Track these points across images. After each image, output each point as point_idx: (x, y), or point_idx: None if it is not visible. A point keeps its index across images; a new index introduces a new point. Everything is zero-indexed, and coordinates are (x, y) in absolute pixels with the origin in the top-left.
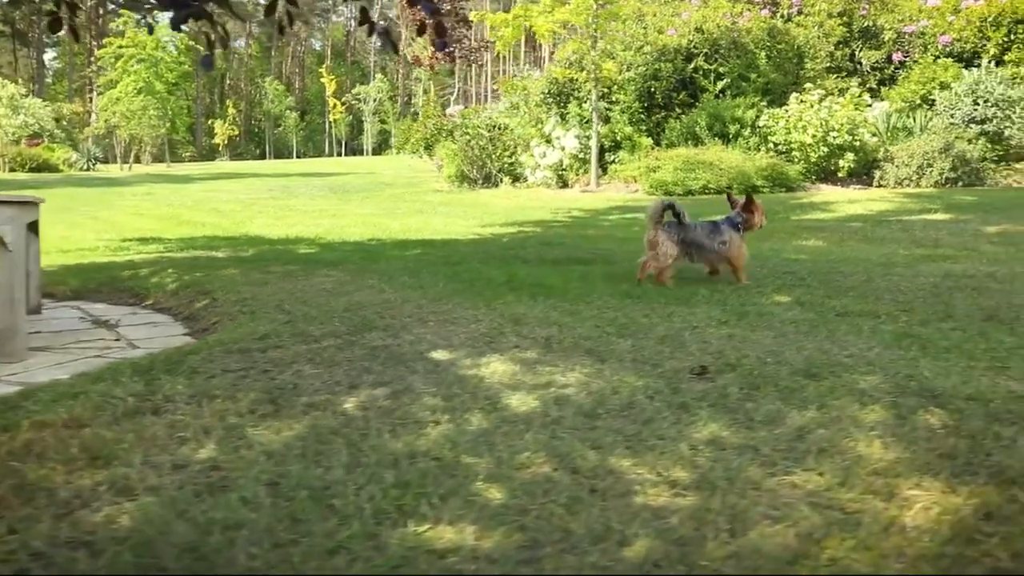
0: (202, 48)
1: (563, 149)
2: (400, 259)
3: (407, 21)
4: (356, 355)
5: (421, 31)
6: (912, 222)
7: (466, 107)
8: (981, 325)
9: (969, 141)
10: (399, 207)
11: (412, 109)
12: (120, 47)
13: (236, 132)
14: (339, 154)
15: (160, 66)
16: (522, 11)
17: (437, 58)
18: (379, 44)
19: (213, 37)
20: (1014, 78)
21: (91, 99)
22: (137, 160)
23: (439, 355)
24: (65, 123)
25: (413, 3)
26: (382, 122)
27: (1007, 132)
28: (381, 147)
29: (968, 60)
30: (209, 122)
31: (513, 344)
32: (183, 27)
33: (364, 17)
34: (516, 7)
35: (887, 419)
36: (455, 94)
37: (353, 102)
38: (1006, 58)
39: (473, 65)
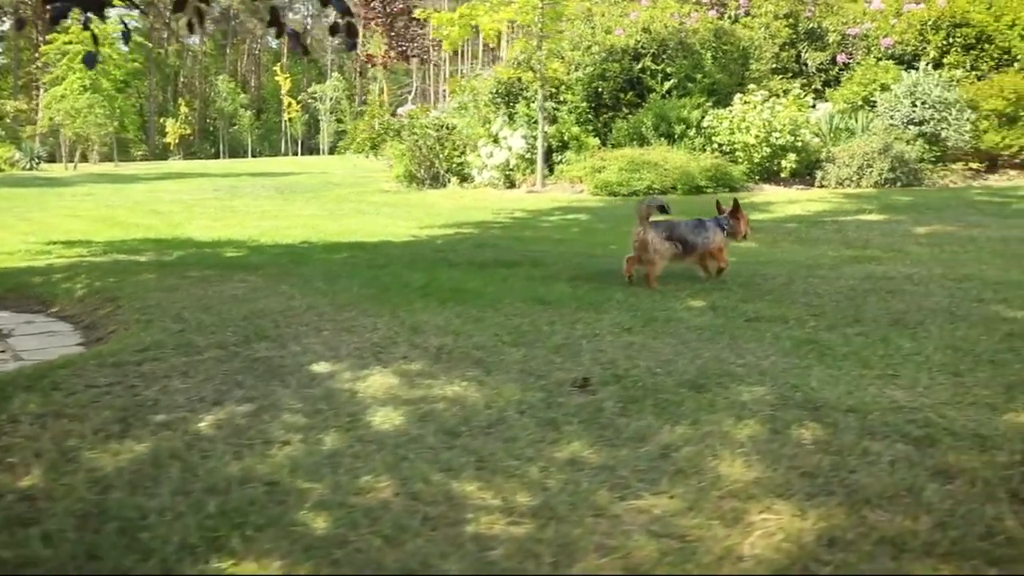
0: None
1: (510, 149)
2: (326, 263)
3: (364, 20)
4: (234, 368)
5: (333, 31)
6: (846, 223)
7: (423, 106)
8: (886, 330)
9: (908, 142)
10: (342, 208)
11: (366, 108)
12: (66, 43)
13: (189, 131)
14: (295, 153)
15: (107, 63)
16: (468, 10)
17: (390, 57)
18: (336, 42)
19: (96, 31)
20: (951, 80)
21: (36, 96)
22: (84, 159)
23: (320, 368)
24: (9, 121)
25: (325, 3)
26: (339, 121)
27: (943, 134)
28: (338, 146)
29: (909, 63)
30: (161, 120)
31: (401, 355)
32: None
33: (274, 18)
34: (462, 6)
35: (759, 434)
36: (412, 93)
37: (309, 101)
38: (945, 61)
39: (427, 64)
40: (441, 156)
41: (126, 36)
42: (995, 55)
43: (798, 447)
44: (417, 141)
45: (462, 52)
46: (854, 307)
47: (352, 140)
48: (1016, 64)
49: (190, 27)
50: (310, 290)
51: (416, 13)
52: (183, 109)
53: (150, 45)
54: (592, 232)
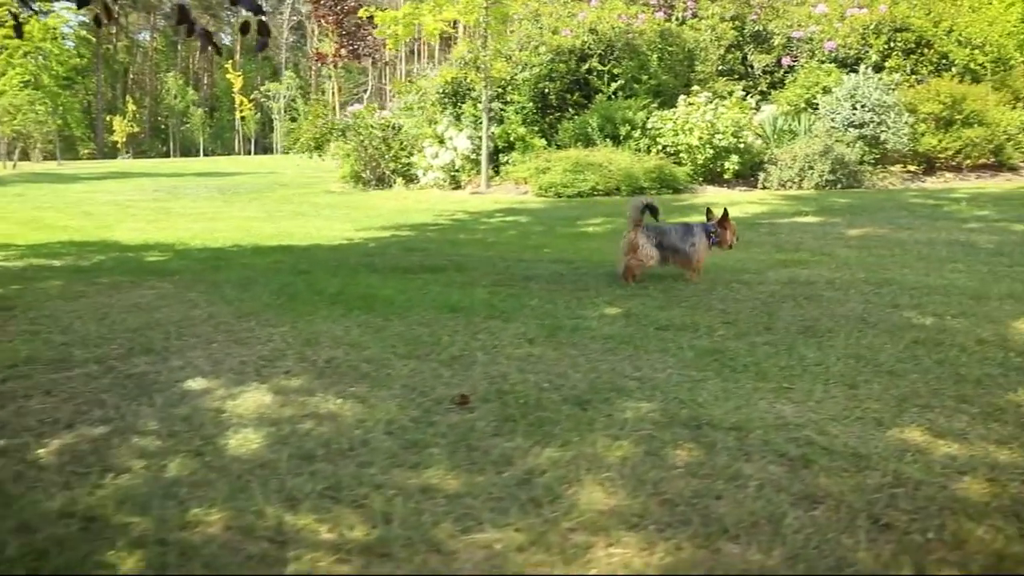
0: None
1: (455, 150)
2: (247, 268)
3: (314, 19)
4: (102, 385)
5: (244, 30)
6: (782, 225)
7: (369, 106)
8: (794, 338)
9: (848, 145)
10: (283, 209)
11: (310, 108)
12: (5, 38)
13: (138, 129)
14: (248, 152)
15: (49, 59)
16: (412, 9)
17: (341, 56)
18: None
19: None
20: (890, 84)
21: None
22: (25, 157)
23: (195, 384)
24: None
25: (235, 2)
26: (292, 120)
27: (883, 136)
28: (282, 146)
29: (852, 66)
30: (109, 118)
31: (285, 370)
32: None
33: (182, 16)
34: (406, 5)
35: (631, 457)
36: (368, 92)
37: (263, 99)
38: (886, 65)
39: (379, 63)
40: (387, 156)
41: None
42: (934, 60)
43: (668, 471)
44: (363, 141)
45: (418, 50)
46: (768, 314)
47: (296, 140)
48: (954, 69)
49: (97, 22)
50: (217, 298)
51: (360, 12)
52: (131, 107)
53: (93, 40)
54: (528, 235)
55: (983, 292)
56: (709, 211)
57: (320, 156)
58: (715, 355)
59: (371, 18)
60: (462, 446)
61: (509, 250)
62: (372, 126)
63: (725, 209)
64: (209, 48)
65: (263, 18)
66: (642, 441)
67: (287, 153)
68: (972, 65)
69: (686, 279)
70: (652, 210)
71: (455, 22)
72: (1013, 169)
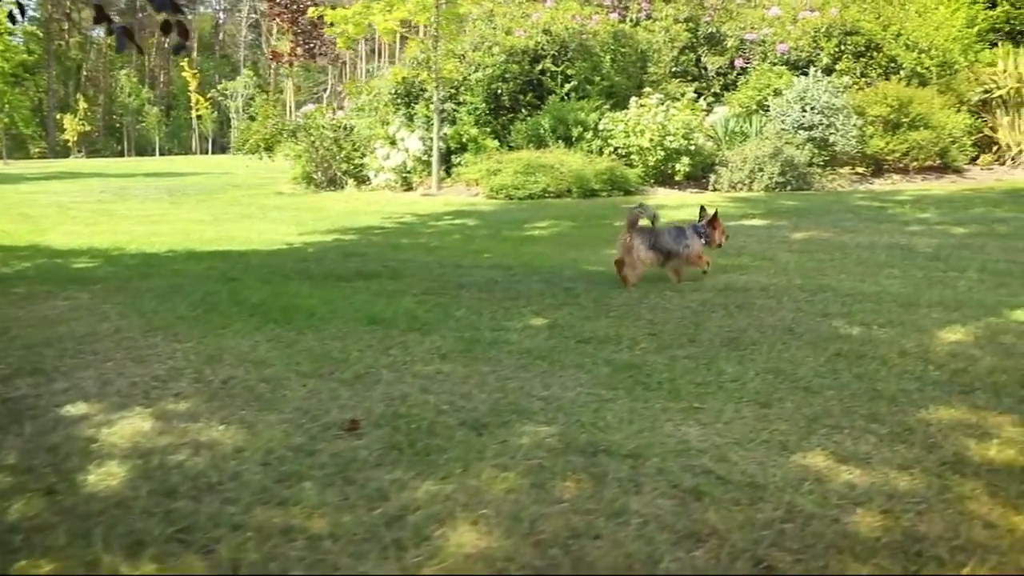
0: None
1: (407, 151)
2: (177, 275)
3: (268, 17)
4: None
5: (165, 30)
6: (728, 228)
7: (319, 107)
8: (717, 351)
9: (798, 147)
10: (230, 211)
11: (259, 108)
12: None
13: (90, 127)
14: (205, 152)
15: None
16: (363, 8)
17: (296, 55)
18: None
19: None
20: (839, 86)
21: None
22: None
23: (74, 409)
24: None
25: (153, 3)
26: (251, 119)
27: (832, 139)
28: (231, 147)
29: (803, 68)
30: (59, 116)
31: (177, 392)
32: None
33: (100, 15)
34: (357, 4)
35: (517, 489)
36: (328, 91)
37: (220, 98)
38: (837, 67)
39: (336, 62)
40: (338, 158)
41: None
42: (883, 63)
43: (551, 506)
44: (314, 142)
45: (378, 50)
46: (695, 325)
47: (246, 141)
48: (902, 72)
49: (11, 19)
50: (132, 310)
51: (310, 11)
52: (82, 104)
53: (40, 35)
54: (472, 239)
55: (914, 299)
56: (703, 209)
57: (270, 157)
58: (631, 371)
59: (321, 17)
60: (339, 479)
61: (450, 255)
62: (323, 127)
63: (716, 210)
64: (124, 46)
65: (182, 18)
66: (531, 472)
67: (236, 154)
68: (919, 69)
69: (668, 280)
70: (651, 218)
71: (410, 22)
72: (957, 171)
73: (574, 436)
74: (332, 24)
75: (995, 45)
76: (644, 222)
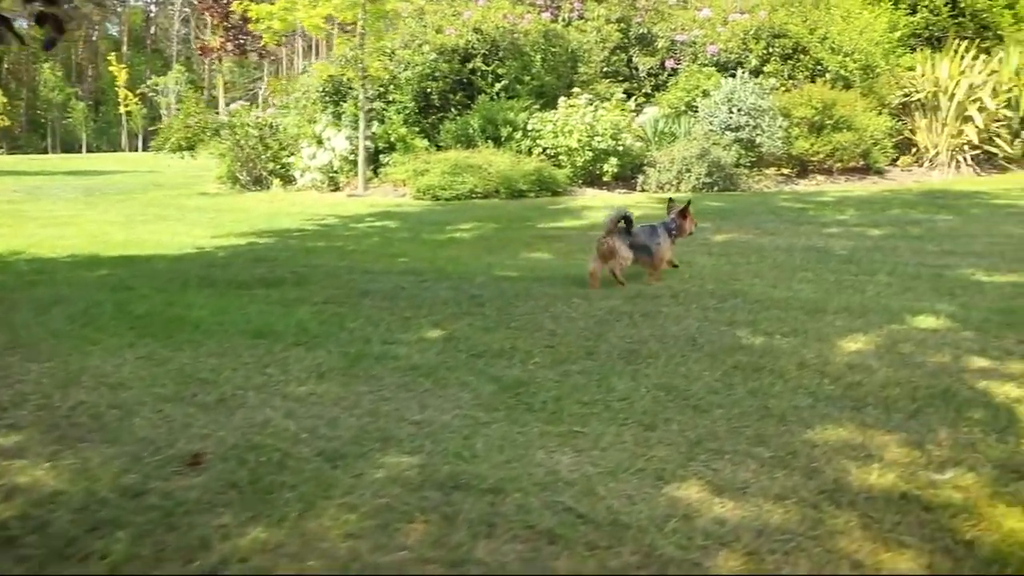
0: None
1: (333, 150)
2: (67, 284)
3: (198, 11)
4: None
5: (40, 21)
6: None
7: (244, 105)
8: (613, 365)
9: (725, 147)
10: (146, 213)
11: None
12: None
13: (10, 122)
14: (135, 149)
15: None
16: (288, 3)
17: (226, 50)
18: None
19: None
20: (766, 88)
21: None
22: None
23: None
24: None
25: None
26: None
27: (758, 140)
28: (150, 145)
29: (732, 70)
30: None
31: (11, 422)
32: None
33: None
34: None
35: (358, 534)
36: (263, 88)
37: (151, 93)
38: (765, 69)
39: (266, 58)
40: (264, 157)
41: None
42: (809, 65)
43: (390, 553)
44: (238, 141)
45: (315, 46)
46: (596, 335)
47: (166, 139)
48: (827, 75)
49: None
50: (2, 324)
51: (234, 6)
52: (1, 99)
53: None
54: (391, 242)
55: (822, 305)
56: (671, 201)
57: (193, 156)
58: (518, 389)
59: (246, 12)
60: (161, 525)
61: (363, 260)
62: (248, 125)
63: (689, 200)
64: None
65: (57, 11)
66: (379, 512)
67: (157, 153)
68: (843, 72)
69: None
70: (627, 221)
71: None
72: (879, 172)
73: (436, 468)
74: (257, 19)
75: (915, 50)
76: (621, 224)
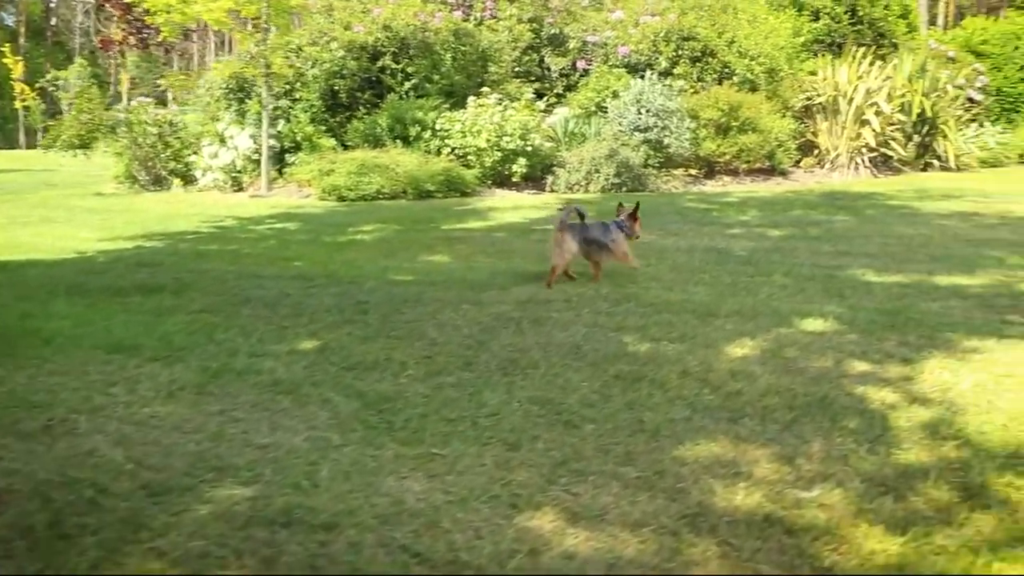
0: None
1: (236, 149)
2: None
3: (98, 2)
4: None
5: None
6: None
7: (141, 103)
8: (490, 377)
9: (633, 148)
10: (31, 215)
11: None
12: None
13: None
14: (33, 146)
15: None
16: None
17: (128, 43)
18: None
19: None
20: (675, 89)
21: None
22: None
23: None
24: None
25: None
26: (81, 112)
27: (666, 141)
28: (39, 143)
29: (643, 71)
30: None
31: None
32: None
33: None
34: None
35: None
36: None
37: (52, 88)
38: (675, 71)
39: (172, 53)
40: (164, 156)
41: None
42: (717, 68)
43: None
44: (136, 139)
45: (228, 42)
46: (479, 344)
47: (57, 137)
48: (735, 78)
49: None
50: None
51: None
52: None
53: None
54: (287, 245)
55: (714, 309)
56: (620, 205)
57: (86, 155)
58: (383, 406)
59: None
60: None
61: (255, 264)
62: (146, 122)
63: (637, 203)
64: None
65: None
66: (189, 558)
67: (47, 152)
68: (749, 75)
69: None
70: (580, 215)
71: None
72: (783, 174)
73: (270, 500)
74: (155, 12)
75: (817, 55)
76: (573, 218)
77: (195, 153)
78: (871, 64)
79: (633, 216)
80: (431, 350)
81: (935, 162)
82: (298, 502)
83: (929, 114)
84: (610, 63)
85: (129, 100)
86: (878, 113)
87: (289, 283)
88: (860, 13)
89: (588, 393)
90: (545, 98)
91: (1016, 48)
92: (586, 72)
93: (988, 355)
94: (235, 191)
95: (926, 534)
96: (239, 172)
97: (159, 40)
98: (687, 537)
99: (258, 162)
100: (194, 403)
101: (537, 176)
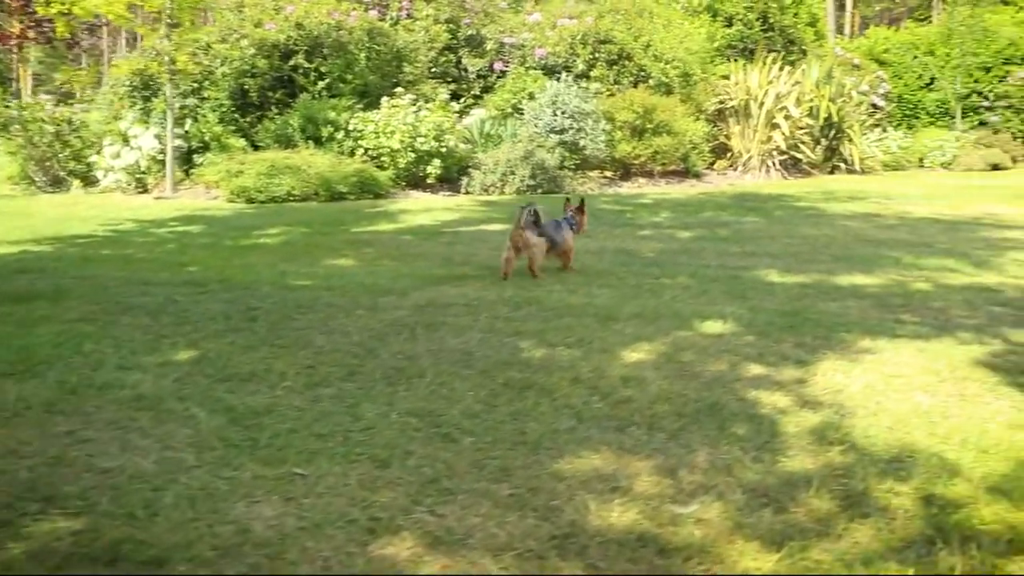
0: None
1: (140, 149)
2: None
3: None
4: None
5: None
6: (465, 235)
7: (37, 100)
8: (372, 387)
9: (549, 150)
10: None
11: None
12: None
13: None
14: None
15: None
16: None
17: (27, 37)
18: None
19: None
20: (590, 92)
21: None
22: None
23: None
24: None
25: None
26: None
27: (582, 142)
28: None
29: (560, 73)
30: None
31: None
32: None
33: None
34: None
35: None
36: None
37: None
38: (592, 74)
39: (76, 47)
40: (62, 155)
41: None
42: (634, 71)
43: None
44: (31, 137)
45: (140, 38)
46: (368, 351)
47: None
48: (651, 81)
49: None
50: None
51: None
52: None
53: None
54: (187, 249)
55: (615, 312)
56: (568, 200)
57: None
58: (251, 421)
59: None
60: None
61: (147, 269)
62: (43, 120)
63: (583, 199)
64: None
65: None
66: None
67: None
68: (664, 78)
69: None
70: (535, 214)
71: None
72: (697, 176)
73: (99, 534)
74: (48, 4)
75: (731, 60)
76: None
77: (97, 153)
78: (781, 69)
79: (580, 210)
80: (315, 359)
81: (842, 165)
82: (129, 535)
83: (836, 119)
84: (527, 65)
85: (34, 96)
86: (787, 117)
87: (178, 289)
88: (771, 20)
89: (472, 403)
90: (462, 99)
91: (915, 57)
92: (503, 74)
93: (879, 355)
94: (139, 193)
95: (803, 548)
96: (143, 173)
97: (63, 35)
98: (553, 561)
99: (163, 163)
100: (40, 423)
101: (453, 178)
